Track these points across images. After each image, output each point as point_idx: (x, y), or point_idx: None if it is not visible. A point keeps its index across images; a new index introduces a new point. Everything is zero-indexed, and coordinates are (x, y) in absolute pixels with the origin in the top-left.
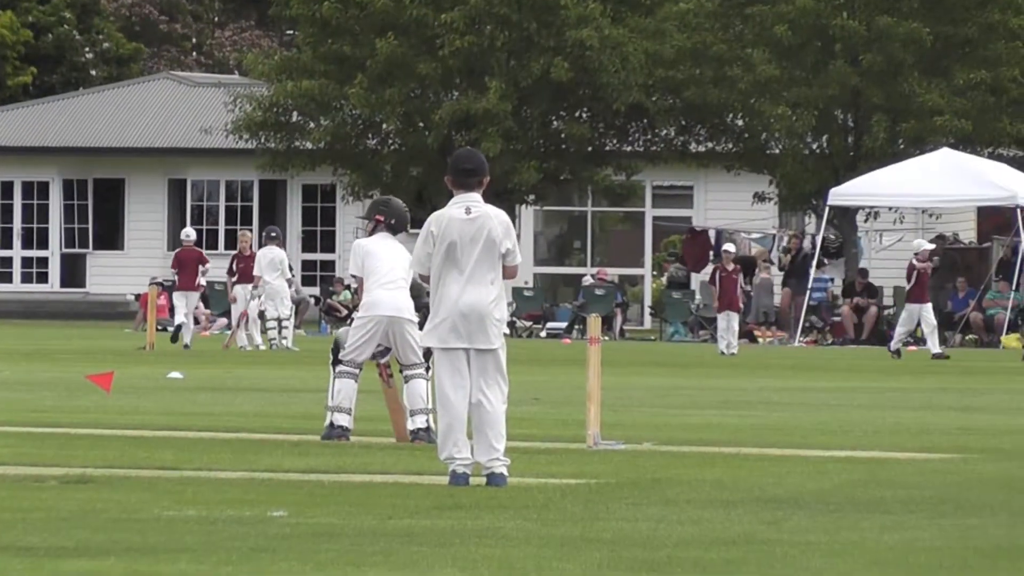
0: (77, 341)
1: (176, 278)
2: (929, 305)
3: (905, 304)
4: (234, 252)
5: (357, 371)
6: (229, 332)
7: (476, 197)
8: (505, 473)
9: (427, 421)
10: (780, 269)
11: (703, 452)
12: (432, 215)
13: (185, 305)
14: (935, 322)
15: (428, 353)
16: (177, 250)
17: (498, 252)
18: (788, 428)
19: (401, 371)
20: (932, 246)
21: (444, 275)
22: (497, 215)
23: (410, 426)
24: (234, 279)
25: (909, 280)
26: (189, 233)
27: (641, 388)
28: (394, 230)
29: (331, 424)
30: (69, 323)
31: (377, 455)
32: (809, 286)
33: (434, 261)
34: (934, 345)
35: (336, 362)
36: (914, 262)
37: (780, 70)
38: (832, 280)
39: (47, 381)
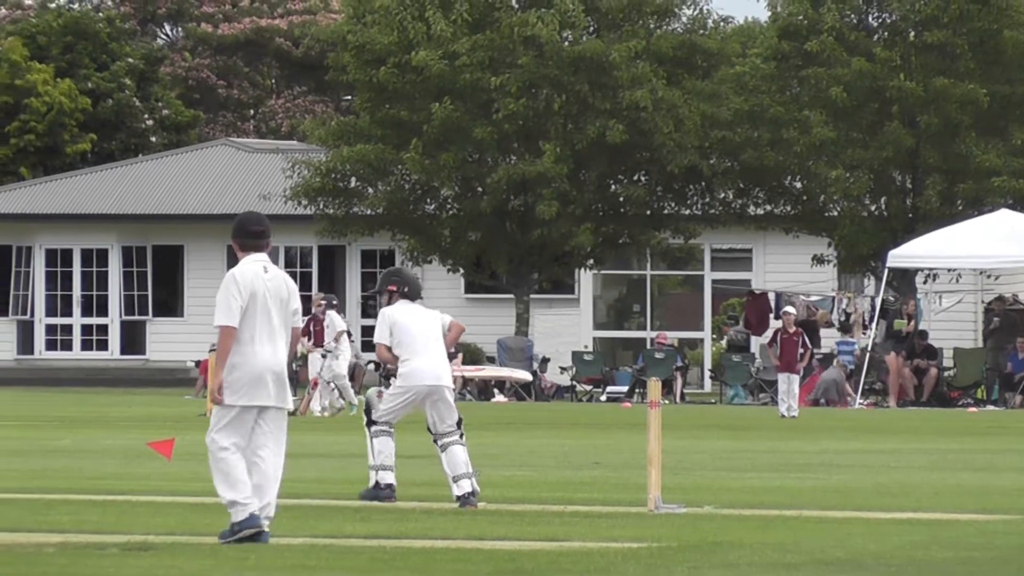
0: (137, 408)
1: None
2: None
3: None
4: (308, 316)
5: (392, 429)
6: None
7: (267, 257)
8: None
9: (472, 485)
10: (839, 330)
11: (764, 515)
12: (232, 272)
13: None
14: None
15: (460, 420)
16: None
17: (290, 311)
18: (849, 490)
19: (435, 440)
20: None
21: (249, 331)
22: (286, 277)
23: (456, 491)
24: (309, 343)
25: None
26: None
27: (702, 451)
28: (410, 298)
29: (377, 484)
30: (129, 390)
31: (438, 520)
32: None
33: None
34: None
35: (371, 423)
36: None
37: (836, 132)
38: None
39: (108, 448)
